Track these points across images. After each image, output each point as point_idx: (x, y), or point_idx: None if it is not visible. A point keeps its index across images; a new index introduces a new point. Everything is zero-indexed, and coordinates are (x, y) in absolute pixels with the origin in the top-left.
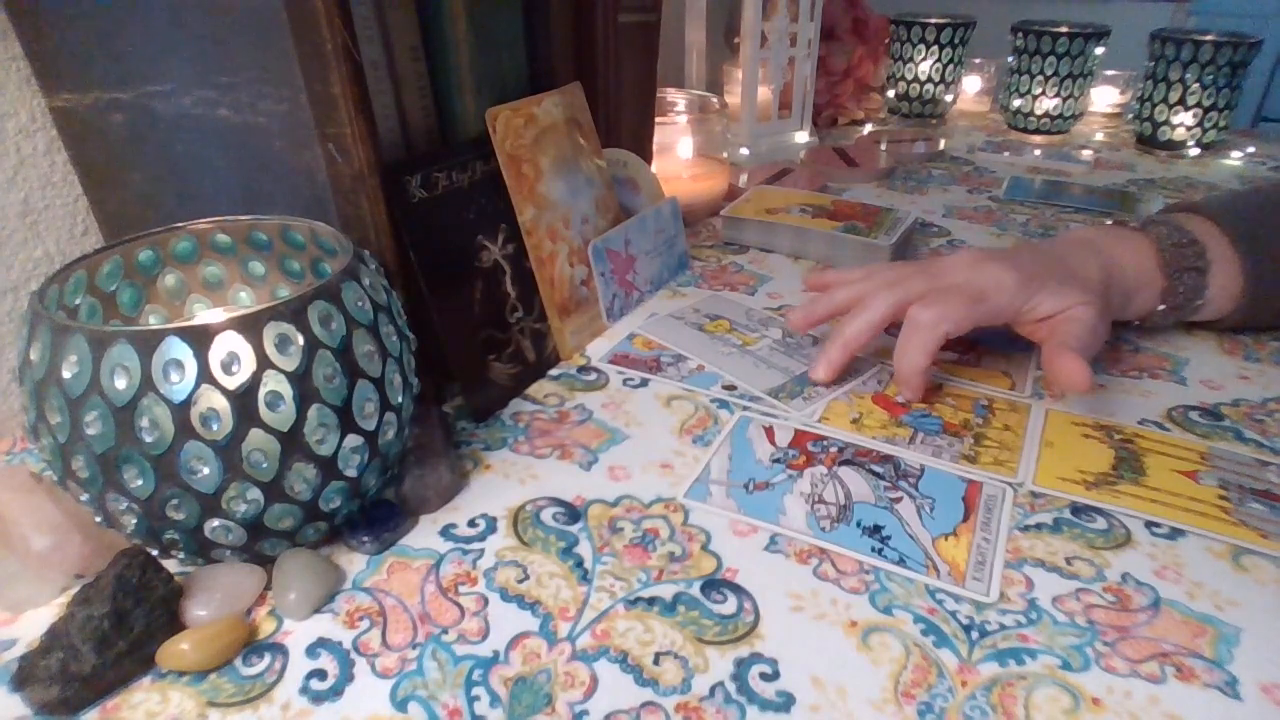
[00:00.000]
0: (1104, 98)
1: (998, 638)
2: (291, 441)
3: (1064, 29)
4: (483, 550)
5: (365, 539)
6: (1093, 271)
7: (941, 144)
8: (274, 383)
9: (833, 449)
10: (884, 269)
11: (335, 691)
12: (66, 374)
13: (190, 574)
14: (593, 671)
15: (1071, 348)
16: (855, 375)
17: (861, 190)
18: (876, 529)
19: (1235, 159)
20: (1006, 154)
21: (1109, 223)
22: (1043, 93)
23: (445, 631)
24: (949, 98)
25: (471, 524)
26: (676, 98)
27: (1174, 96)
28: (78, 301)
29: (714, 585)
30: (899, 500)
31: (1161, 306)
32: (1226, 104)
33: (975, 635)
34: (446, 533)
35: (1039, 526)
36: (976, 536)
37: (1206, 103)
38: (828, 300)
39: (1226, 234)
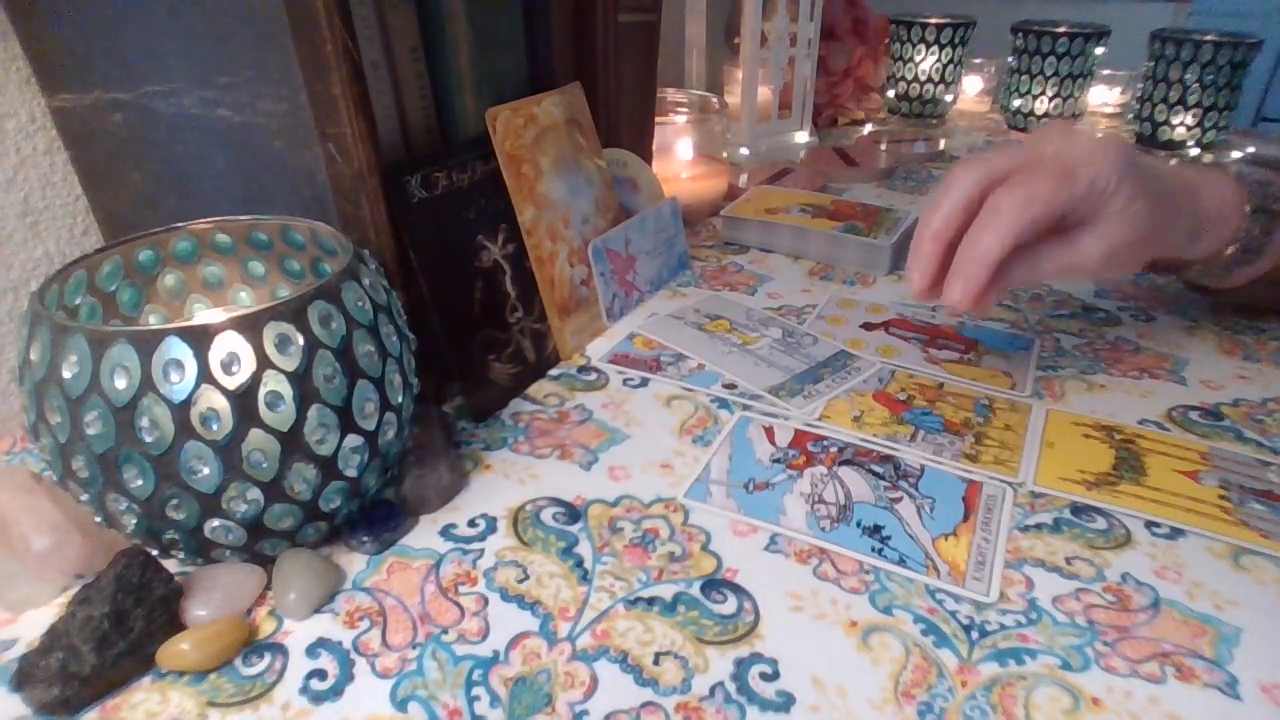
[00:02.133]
0: (1104, 98)
1: (998, 638)
2: (291, 441)
3: (1064, 29)
4: (483, 550)
5: (365, 539)
6: (1171, 183)
7: (941, 144)
8: (274, 383)
9: (833, 449)
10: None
11: (335, 691)
12: (66, 374)
13: (190, 574)
14: (593, 671)
15: (1092, 257)
16: (856, 374)
17: (861, 190)
18: (876, 529)
19: (1235, 159)
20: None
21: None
22: (1043, 93)
23: (445, 631)
24: (949, 98)
25: (471, 524)
26: (676, 98)
27: (1174, 96)
28: (78, 301)
29: (714, 585)
30: (899, 500)
31: (1231, 248)
32: (1226, 104)
33: (975, 635)
34: (446, 533)
35: (1039, 526)
36: (976, 536)
37: (1206, 103)
38: (922, 234)
39: None
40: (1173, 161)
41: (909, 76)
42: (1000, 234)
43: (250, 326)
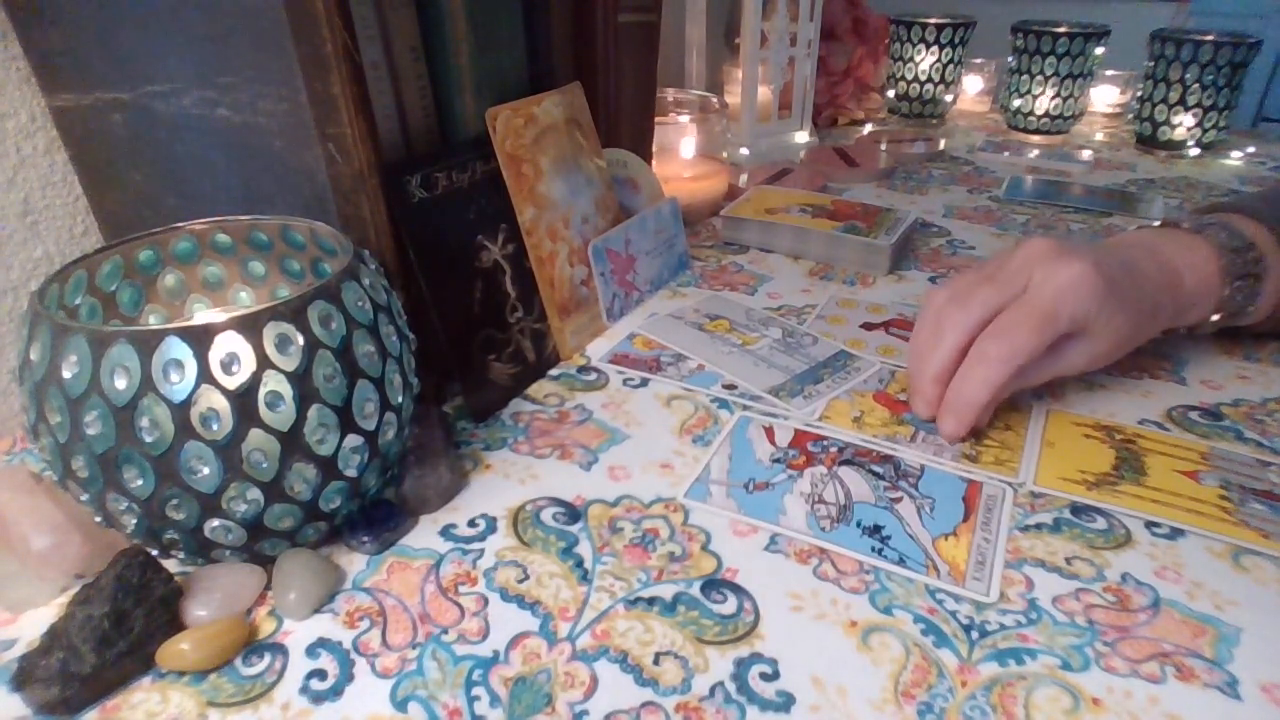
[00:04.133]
0: (1104, 98)
1: (998, 638)
2: (291, 441)
3: (1064, 29)
4: (483, 550)
5: (365, 539)
6: (1151, 280)
7: (941, 144)
8: (274, 383)
9: (833, 449)
10: (944, 288)
11: (335, 691)
12: (66, 374)
13: (190, 574)
14: (593, 671)
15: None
16: (856, 374)
17: (861, 190)
18: (876, 529)
19: (1235, 159)
20: (1006, 154)
21: (1157, 224)
22: (1043, 93)
23: (445, 631)
24: (949, 98)
25: (471, 524)
26: (676, 98)
27: (1174, 96)
28: (78, 301)
29: (714, 585)
30: (899, 500)
31: (1216, 316)
32: (1226, 104)
33: (975, 635)
34: (446, 533)
35: (1039, 526)
36: (976, 536)
37: (1206, 103)
38: (920, 370)
39: (1275, 236)
40: (1156, 223)
41: (909, 76)
42: (989, 382)
43: (250, 326)
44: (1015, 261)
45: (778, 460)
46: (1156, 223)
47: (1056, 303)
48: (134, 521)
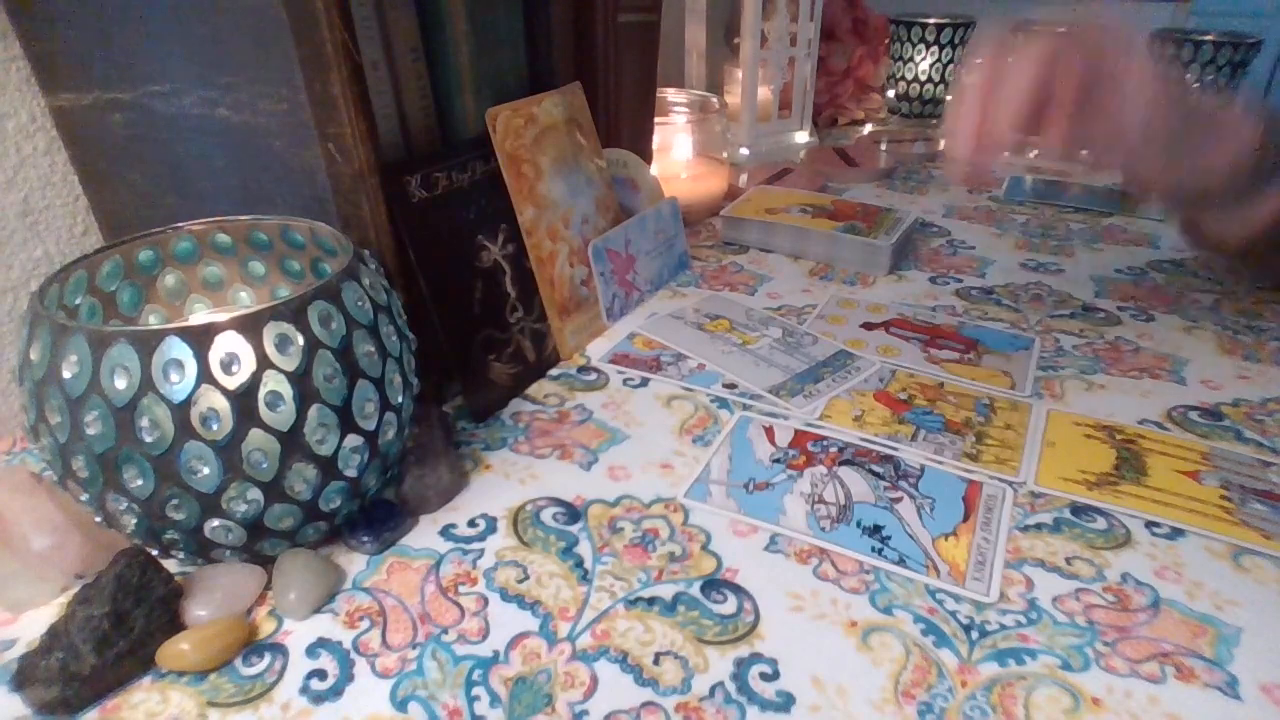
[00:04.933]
0: None
1: (998, 638)
2: (291, 441)
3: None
4: (483, 550)
5: (365, 539)
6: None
7: (941, 144)
8: (274, 383)
9: (833, 449)
10: None
11: (335, 691)
12: (66, 374)
13: (190, 574)
14: (593, 671)
15: None
16: (856, 374)
17: (861, 190)
18: (876, 529)
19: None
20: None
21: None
22: None
23: (445, 631)
24: (949, 98)
25: (471, 524)
26: (676, 98)
27: None
28: (78, 301)
29: (714, 585)
30: (899, 500)
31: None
32: None
33: (975, 635)
34: (446, 533)
35: (1039, 526)
36: (976, 536)
37: None
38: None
39: None
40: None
41: (909, 76)
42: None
43: (250, 326)
44: None
45: (778, 460)
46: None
47: None
48: (134, 521)
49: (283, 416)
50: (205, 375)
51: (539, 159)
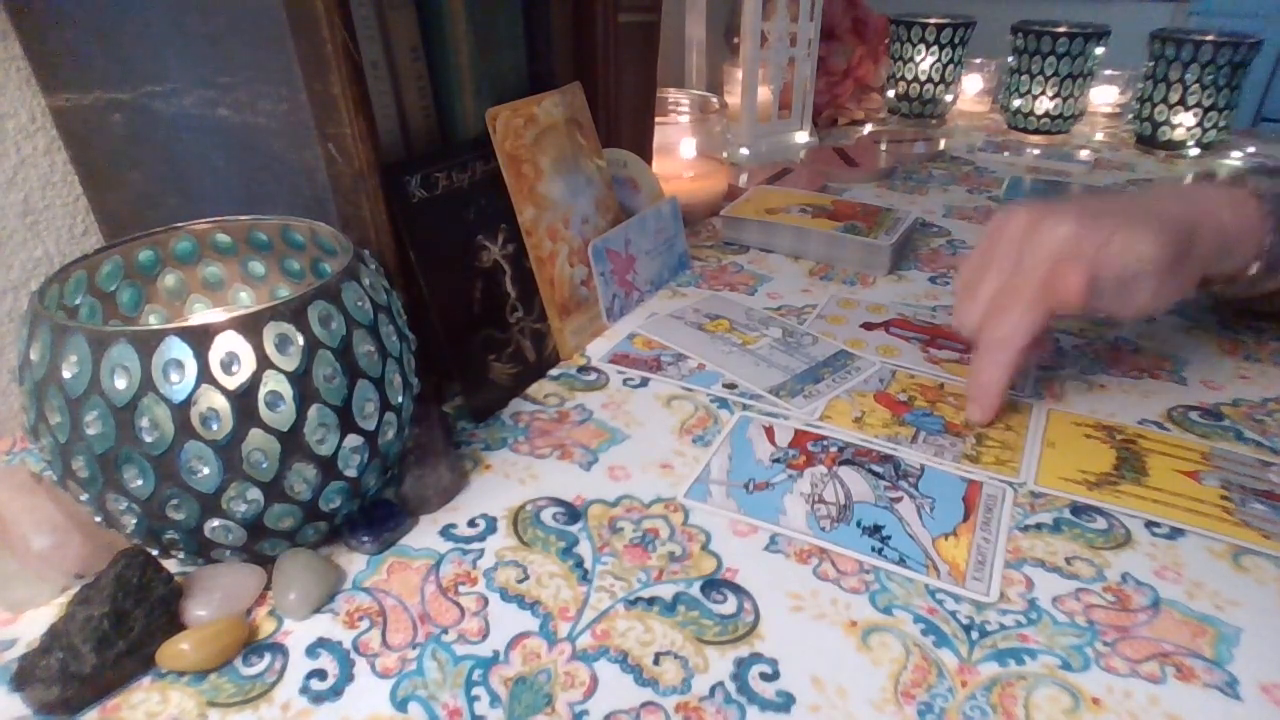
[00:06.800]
0: (1104, 98)
1: (998, 638)
2: (291, 441)
3: (1064, 29)
4: (483, 550)
5: (365, 539)
6: (1175, 212)
7: (941, 144)
8: (274, 383)
9: (833, 449)
10: (964, 271)
11: (335, 691)
12: (66, 374)
13: (190, 574)
14: (593, 671)
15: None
16: (857, 374)
17: (861, 190)
18: (876, 529)
19: (1235, 159)
20: (1006, 154)
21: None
22: (1043, 93)
23: (445, 631)
24: (949, 98)
25: (471, 524)
26: (677, 98)
27: (1174, 96)
28: (78, 301)
29: (714, 585)
30: (899, 500)
31: (1256, 265)
32: (1226, 104)
33: (975, 635)
34: (446, 533)
35: (1039, 526)
36: (977, 536)
37: (1206, 103)
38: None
39: None
40: (1188, 179)
41: (909, 76)
42: (1000, 367)
43: (250, 326)
44: (1000, 235)
45: (778, 460)
46: None
47: (1046, 271)
48: (134, 521)
49: (283, 416)
50: (205, 375)
51: (539, 159)
